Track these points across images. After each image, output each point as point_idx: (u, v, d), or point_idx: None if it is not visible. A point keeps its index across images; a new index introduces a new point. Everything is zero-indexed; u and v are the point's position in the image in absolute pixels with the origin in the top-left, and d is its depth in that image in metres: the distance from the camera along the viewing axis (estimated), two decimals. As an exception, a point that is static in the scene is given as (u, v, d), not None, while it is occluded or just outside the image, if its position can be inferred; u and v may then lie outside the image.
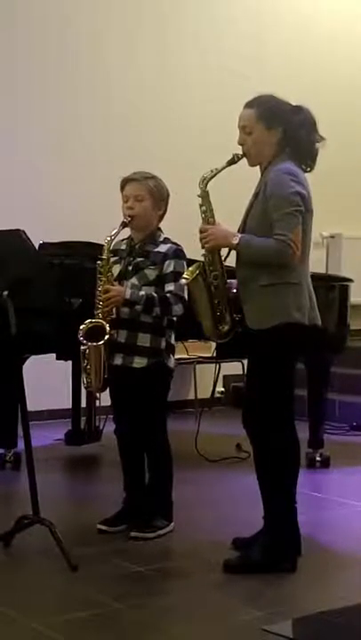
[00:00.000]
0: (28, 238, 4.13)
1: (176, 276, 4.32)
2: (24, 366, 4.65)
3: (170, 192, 4.46)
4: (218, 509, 5.03)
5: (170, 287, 4.33)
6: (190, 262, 4.36)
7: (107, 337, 4.26)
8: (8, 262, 4.10)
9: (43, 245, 5.69)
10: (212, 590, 3.84)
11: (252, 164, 4.07)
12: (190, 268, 4.14)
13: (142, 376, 4.37)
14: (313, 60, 8.58)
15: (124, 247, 4.45)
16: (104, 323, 4.27)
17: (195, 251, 4.21)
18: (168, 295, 4.31)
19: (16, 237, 4.09)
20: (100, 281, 4.33)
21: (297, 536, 4.05)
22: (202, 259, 4.13)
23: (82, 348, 4.32)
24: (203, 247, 4.06)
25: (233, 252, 4.05)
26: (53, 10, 7.36)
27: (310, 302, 4.02)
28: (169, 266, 4.36)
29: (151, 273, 4.37)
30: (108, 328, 4.26)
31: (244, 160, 4.05)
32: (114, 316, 4.33)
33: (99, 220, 6.12)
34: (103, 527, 4.48)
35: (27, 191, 7.07)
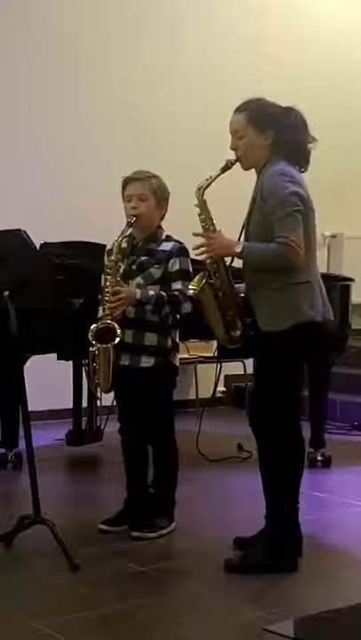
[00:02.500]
0: (29, 238, 4.13)
1: (182, 274, 4.33)
2: (25, 366, 4.65)
3: (171, 191, 4.47)
4: (219, 509, 5.04)
5: (177, 286, 4.33)
6: (193, 261, 4.37)
7: (118, 339, 4.25)
8: (9, 262, 4.10)
9: (44, 245, 5.69)
10: (214, 590, 3.84)
11: (246, 169, 4.07)
12: (196, 279, 4.13)
13: (150, 375, 4.37)
14: (313, 61, 8.59)
15: (125, 246, 4.44)
16: (115, 324, 4.27)
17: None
18: (177, 294, 4.32)
19: (17, 237, 4.09)
20: (108, 281, 4.32)
21: (298, 536, 4.05)
22: (202, 259, 4.13)
23: (91, 349, 4.31)
24: (205, 259, 4.05)
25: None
26: (53, 10, 7.36)
27: (322, 299, 4.02)
28: (174, 264, 4.36)
29: (156, 272, 4.37)
30: (118, 330, 4.26)
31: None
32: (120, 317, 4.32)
33: (99, 220, 6.16)
34: (104, 527, 4.48)
35: (27, 191, 7.06)
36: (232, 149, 4.05)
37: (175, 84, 7.92)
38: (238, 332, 4.11)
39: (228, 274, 4.11)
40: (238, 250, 3.94)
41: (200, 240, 4.04)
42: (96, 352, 4.31)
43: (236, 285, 4.12)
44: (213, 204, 4.10)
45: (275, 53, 8.34)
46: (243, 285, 4.11)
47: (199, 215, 4.10)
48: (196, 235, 4.06)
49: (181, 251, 4.39)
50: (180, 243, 4.41)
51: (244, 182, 4.22)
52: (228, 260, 4.11)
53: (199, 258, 4.10)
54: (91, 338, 4.27)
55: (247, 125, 3.99)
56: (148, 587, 3.86)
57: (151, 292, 4.30)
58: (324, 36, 8.72)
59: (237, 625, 3.48)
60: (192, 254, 4.37)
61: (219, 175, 4.03)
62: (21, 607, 3.58)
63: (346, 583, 3.96)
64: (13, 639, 3.35)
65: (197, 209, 4.10)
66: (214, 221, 4.08)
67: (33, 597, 3.72)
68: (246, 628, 3.44)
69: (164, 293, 4.30)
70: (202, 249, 4.03)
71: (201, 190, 4.07)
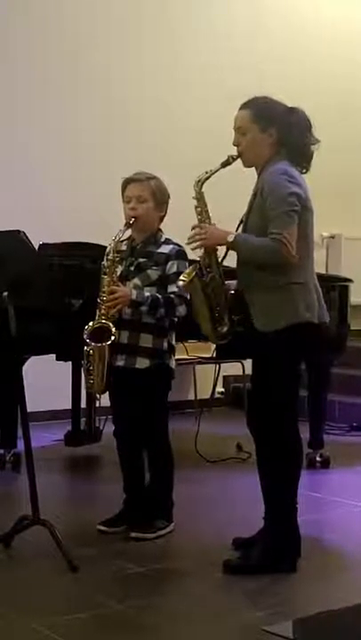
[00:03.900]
0: (28, 239, 4.14)
1: (179, 277, 4.32)
2: (24, 367, 4.65)
3: (171, 192, 4.47)
4: (218, 510, 5.03)
5: (174, 288, 4.32)
6: (192, 263, 4.36)
7: (112, 338, 4.25)
8: (8, 263, 4.10)
9: (42, 246, 5.69)
10: (213, 591, 3.84)
11: (247, 166, 4.08)
12: (187, 270, 4.14)
13: (145, 377, 4.37)
14: (313, 61, 8.58)
15: (124, 248, 4.45)
16: (110, 324, 4.27)
17: (198, 252, 4.19)
18: (172, 296, 4.31)
19: (16, 238, 4.10)
20: (105, 282, 4.32)
21: (297, 537, 4.06)
22: (193, 248, 4.13)
23: (86, 348, 4.31)
24: (197, 247, 4.04)
25: (232, 254, 4.04)
26: (53, 10, 7.36)
27: (318, 300, 4.02)
28: (172, 267, 4.36)
29: (153, 273, 4.37)
30: (113, 329, 4.26)
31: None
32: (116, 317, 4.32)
33: (99, 221, 6.15)
34: (103, 528, 4.48)
35: (26, 192, 7.06)
36: (235, 145, 4.05)
37: (175, 84, 7.92)
38: (225, 328, 4.11)
39: (220, 269, 4.11)
40: (230, 239, 3.94)
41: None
42: (90, 352, 4.31)
43: (227, 282, 4.12)
44: (214, 199, 4.11)
45: (275, 53, 8.33)
46: (234, 282, 4.11)
47: (196, 208, 4.11)
48: (193, 227, 4.05)
49: (180, 254, 4.38)
50: (180, 246, 4.41)
51: (244, 179, 4.22)
52: (220, 255, 4.11)
53: (191, 248, 4.10)
54: (85, 337, 4.28)
55: (251, 122, 4.00)
56: (146, 587, 3.86)
57: (147, 294, 4.30)
58: (326, 37, 8.71)
59: (236, 626, 3.48)
60: (190, 254, 4.37)
61: (218, 169, 4.04)
62: (20, 608, 3.58)
63: (345, 584, 3.96)
64: (12, 640, 3.36)
65: (195, 202, 4.10)
66: (210, 215, 4.09)
67: (32, 598, 3.71)
68: (245, 629, 3.44)
69: (159, 295, 4.30)
70: (194, 238, 4.02)
71: (200, 183, 4.08)
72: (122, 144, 7.41)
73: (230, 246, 3.97)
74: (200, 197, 4.09)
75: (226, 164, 4.03)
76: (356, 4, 8.96)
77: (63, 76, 7.40)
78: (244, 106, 4.04)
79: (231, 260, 4.09)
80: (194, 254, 4.21)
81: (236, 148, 4.05)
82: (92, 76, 7.51)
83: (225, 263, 4.13)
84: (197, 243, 4.04)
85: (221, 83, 7.93)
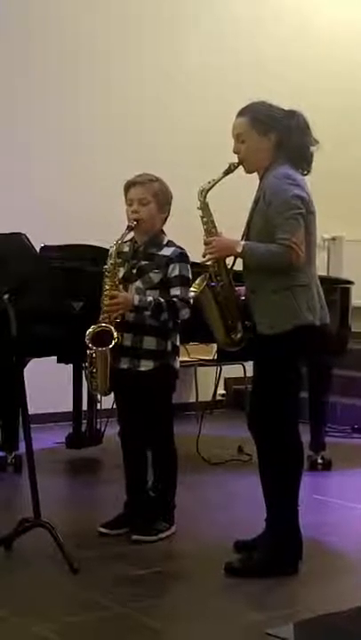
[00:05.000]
0: (30, 241, 4.13)
1: (182, 280, 4.31)
2: (25, 369, 4.64)
3: (173, 194, 4.46)
4: (219, 512, 5.03)
5: (176, 292, 4.31)
6: (194, 265, 4.36)
7: (114, 342, 4.25)
8: (9, 265, 4.10)
9: (44, 248, 5.69)
10: (214, 593, 3.83)
11: (248, 172, 4.08)
12: (197, 281, 4.13)
13: (149, 379, 4.36)
14: (313, 62, 8.58)
15: (127, 249, 4.44)
16: (111, 328, 4.26)
17: (199, 253, 4.19)
18: (175, 300, 4.30)
19: (17, 240, 4.09)
20: (107, 285, 4.31)
21: (299, 539, 4.05)
22: (205, 262, 4.12)
23: (88, 352, 4.30)
24: (207, 260, 4.04)
25: (239, 259, 4.04)
26: (54, 9, 7.35)
27: (320, 302, 4.02)
28: (174, 270, 4.35)
29: (155, 276, 4.36)
30: (115, 333, 4.25)
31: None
32: (119, 320, 4.32)
33: (100, 223, 6.14)
34: (104, 530, 4.47)
35: (26, 192, 7.05)
36: (235, 153, 4.05)
37: (175, 84, 7.91)
38: (239, 335, 4.11)
39: (230, 276, 4.10)
40: (239, 250, 3.94)
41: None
42: (93, 355, 4.30)
43: (237, 288, 4.12)
44: (216, 205, 4.10)
45: (275, 53, 8.33)
46: (243, 288, 4.11)
47: (201, 218, 4.10)
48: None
49: (181, 256, 4.37)
50: (181, 248, 4.40)
51: (246, 184, 4.22)
52: (229, 263, 4.11)
53: (204, 261, 4.09)
54: (88, 341, 4.27)
55: (250, 129, 3.99)
56: (147, 590, 3.85)
57: (149, 299, 4.29)
58: (326, 37, 8.69)
59: (238, 628, 3.48)
60: (193, 258, 4.36)
61: (221, 178, 4.04)
62: (21, 610, 3.57)
63: (346, 586, 3.96)
64: (13, 643, 3.35)
65: (199, 211, 4.10)
66: (216, 224, 4.08)
67: (32, 600, 3.71)
68: (247, 632, 3.44)
69: (162, 300, 4.29)
70: (207, 252, 4.02)
71: (203, 193, 4.08)
72: (122, 144, 7.41)
73: (239, 256, 3.97)
74: (205, 207, 4.09)
75: (228, 171, 4.03)
76: (355, 4, 8.96)
77: (63, 76, 7.40)
78: (241, 113, 4.04)
79: (240, 264, 4.08)
80: (198, 259, 4.20)
81: (236, 155, 4.04)
82: (92, 76, 7.50)
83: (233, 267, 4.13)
84: (208, 257, 4.03)
85: (221, 83, 7.93)
